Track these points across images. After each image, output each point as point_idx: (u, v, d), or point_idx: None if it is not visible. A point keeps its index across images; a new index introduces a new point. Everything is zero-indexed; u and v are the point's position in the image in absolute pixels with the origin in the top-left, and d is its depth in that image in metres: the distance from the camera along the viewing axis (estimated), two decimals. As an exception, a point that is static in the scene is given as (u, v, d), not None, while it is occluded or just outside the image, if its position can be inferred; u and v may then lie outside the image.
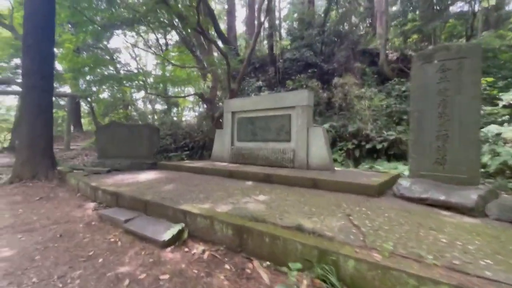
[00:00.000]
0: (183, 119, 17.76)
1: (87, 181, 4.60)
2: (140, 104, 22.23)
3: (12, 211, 3.93)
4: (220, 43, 13.99)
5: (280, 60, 12.91)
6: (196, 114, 17.40)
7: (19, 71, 15.24)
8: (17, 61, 15.57)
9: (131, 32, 19.41)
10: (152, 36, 21.46)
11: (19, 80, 12.28)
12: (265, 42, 18.38)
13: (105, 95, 20.31)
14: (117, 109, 22.82)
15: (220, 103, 11.55)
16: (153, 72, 20.50)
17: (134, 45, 23.89)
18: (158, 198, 3.37)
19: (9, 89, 12.65)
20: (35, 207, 4.14)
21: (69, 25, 13.81)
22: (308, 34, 11.93)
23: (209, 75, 12.90)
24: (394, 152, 8.11)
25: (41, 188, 5.09)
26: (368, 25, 14.99)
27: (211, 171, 5.10)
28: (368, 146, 8.18)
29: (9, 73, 15.80)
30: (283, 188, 3.83)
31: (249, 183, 4.25)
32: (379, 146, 8.07)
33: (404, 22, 12.44)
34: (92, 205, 4.17)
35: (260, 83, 11.60)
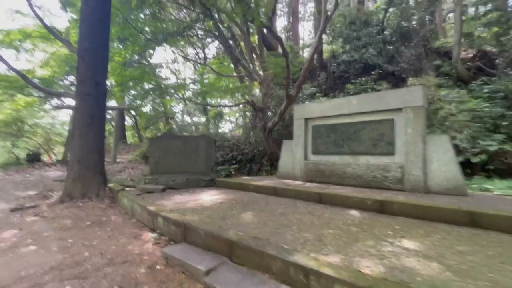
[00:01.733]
0: (225, 130, 17.23)
1: (143, 204, 3.79)
2: (178, 117, 22.39)
3: (60, 241, 3.21)
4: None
5: (333, 64, 11.73)
6: (238, 124, 16.76)
7: (73, 88, 15.97)
8: (70, 78, 16.38)
9: (172, 47, 19.75)
10: (190, 51, 21.63)
11: (73, 92, 12.69)
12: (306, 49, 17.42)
13: (146, 108, 20.74)
14: (158, 122, 23.23)
15: (269, 112, 10.63)
16: (191, 86, 20.55)
17: (174, 61, 24.42)
18: (246, 237, 2.37)
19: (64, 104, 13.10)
20: (87, 236, 3.39)
21: (117, 41, 14.03)
22: (366, 33, 10.67)
23: (256, 83, 12.11)
24: (495, 167, 6.44)
25: (92, 209, 4.42)
26: (428, 21, 13.25)
27: (289, 192, 4.04)
28: (459, 159, 6.58)
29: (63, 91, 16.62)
30: (421, 226, 2.62)
31: (355, 213, 3.09)
32: (475, 160, 6.44)
33: (481, 15, 10.62)
34: (151, 236, 3.31)
35: (313, 89, 10.51)
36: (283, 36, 20.33)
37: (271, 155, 9.24)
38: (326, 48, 13.67)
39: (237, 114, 17.68)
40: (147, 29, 12.50)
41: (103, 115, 5.08)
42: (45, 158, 13.32)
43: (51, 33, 8.35)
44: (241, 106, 12.98)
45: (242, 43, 13.47)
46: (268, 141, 8.98)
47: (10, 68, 7.38)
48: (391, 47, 10.07)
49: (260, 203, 3.77)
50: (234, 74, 15.00)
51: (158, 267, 2.57)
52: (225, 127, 18.92)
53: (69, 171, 4.84)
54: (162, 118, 22.43)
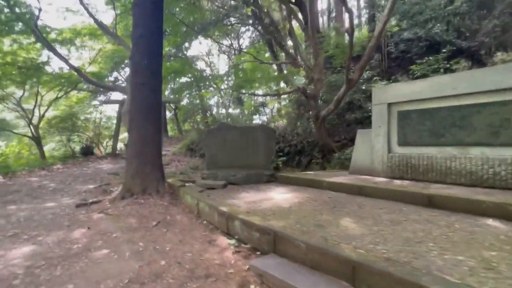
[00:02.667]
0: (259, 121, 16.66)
1: (212, 204, 3.38)
2: (214, 110, 22.31)
3: (131, 244, 2.91)
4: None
5: (390, 44, 10.47)
6: (279, 114, 16.08)
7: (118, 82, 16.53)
8: (115, 74, 16.95)
9: (206, 38, 19.51)
10: (225, 43, 21.20)
11: (120, 85, 13.07)
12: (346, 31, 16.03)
13: (184, 101, 20.94)
14: (195, 115, 23.42)
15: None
16: (228, 77, 20.24)
17: (208, 53, 24.26)
18: (375, 258, 1.77)
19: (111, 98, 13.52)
20: (156, 239, 3.06)
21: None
22: (431, 7, 9.26)
23: (302, 69, 11.31)
24: None
25: (154, 206, 4.15)
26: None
27: (379, 192, 3.36)
28: None
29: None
30: None
31: (496, 224, 2.34)
32: None
33: None
34: (228, 242, 2.88)
35: (369, 72, 9.44)
36: (325, 17, 19.03)
37: (323, 147, 8.49)
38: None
39: (277, 104, 17.01)
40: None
41: (159, 106, 4.78)
42: (96, 151, 13.95)
43: (100, 27, 8.41)
44: (283, 95, 12.27)
45: (286, 26, 12.67)
46: (320, 131, 8.23)
47: (68, 64, 7.53)
48: (465, 20, 8.59)
49: (349, 205, 3.14)
50: (271, 62, 14.32)
51: (252, 287, 2.10)
52: (261, 118, 18.38)
53: (127, 165, 4.63)
54: (199, 111, 22.61)
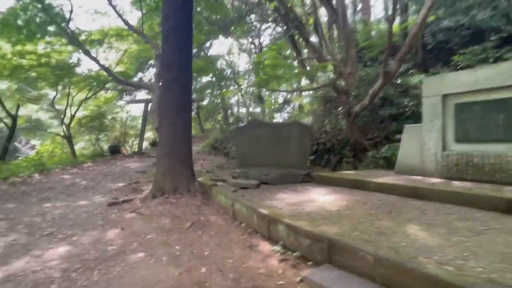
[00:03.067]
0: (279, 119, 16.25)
1: (251, 206, 3.13)
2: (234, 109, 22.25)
3: (167, 247, 2.72)
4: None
5: (425, 35, 9.73)
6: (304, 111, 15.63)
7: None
8: (139, 75, 17.29)
9: (227, 38, 19.44)
10: (245, 42, 20.96)
11: (147, 83, 13.27)
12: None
13: (205, 101, 21.02)
14: (216, 115, 23.51)
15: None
16: (245, 76, 20.06)
17: (229, 52, 24.18)
18: (475, 280, 1.42)
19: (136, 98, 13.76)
20: (193, 242, 2.86)
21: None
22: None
23: (329, 64, 10.82)
24: None
25: (186, 206, 3.98)
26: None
27: (440, 194, 2.94)
28: None
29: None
30: None
31: None
32: None
33: None
34: (269, 247, 2.62)
35: (403, 65, 8.80)
36: (350, 9, 18.29)
37: (354, 145, 8.02)
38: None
39: (300, 101, 16.58)
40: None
41: (190, 103, 4.62)
42: (122, 150, 14.27)
43: (127, 27, 8.49)
44: (310, 90, 11.82)
45: (309, 21, 12.24)
46: (352, 129, 7.76)
47: (98, 64, 7.65)
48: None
49: (406, 209, 2.76)
50: (299, 57, 13.90)
51: (311, 304, 1.81)
52: (282, 116, 18.00)
53: (158, 164, 4.51)
54: (220, 110, 22.66)
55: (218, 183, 4.42)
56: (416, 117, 7.39)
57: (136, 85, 11.50)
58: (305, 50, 16.30)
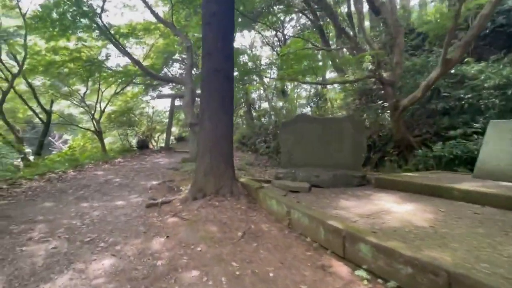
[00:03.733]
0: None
1: (312, 215, 2.66)
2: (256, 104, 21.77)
3: (223, 265, 2.32)
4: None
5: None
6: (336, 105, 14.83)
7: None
8: (164, 70, 17.23)
9: (250, 31, 18.90)
10: (268, 34, 20.27)
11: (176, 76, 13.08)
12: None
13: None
14: (238, 109, 23.14)
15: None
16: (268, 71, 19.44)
17: (251, 46, 23.55)
18: None
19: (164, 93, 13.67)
20: (251, 257, 2.45)
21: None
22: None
23: (367, 54, 10.00)
24: None
25: (232, 210, 3.59)
26: None
27: None
28: None
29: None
30: None
31: None
32: None
33: None
34: (347, 270, 2.14)
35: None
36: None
37: (399, 142, 7.30)
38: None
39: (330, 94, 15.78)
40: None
41: (233, 95, 4.20)
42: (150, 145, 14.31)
43: (157, 18, 8.26)
44: (347, 83, 11.04)
45: (339, 12, 11.41)
46: (398, 124, 7.04)
47: (129, 57, 7.46)
48: None
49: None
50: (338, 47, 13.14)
51: None
52: (306, 110, 17.28)
53: (199, 161, 4.14)
54: (242, 104, 22.30)
55: (264, 185, 3.98)
56: (474, 112, 6.53)
57: (167, 79, 11.37)
58: (333, 41, 15.46)
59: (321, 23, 15.03)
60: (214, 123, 3.97)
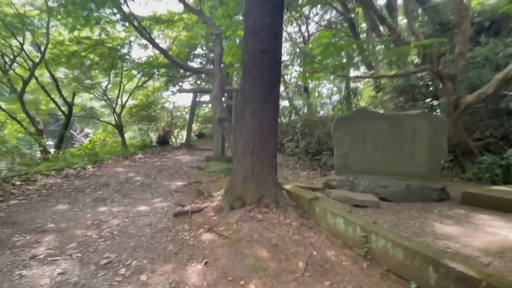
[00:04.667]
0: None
1: (411, 246, 1.86)
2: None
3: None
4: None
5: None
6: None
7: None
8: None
9: None
10: (290, 30, 19.32)
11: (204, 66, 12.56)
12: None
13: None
14: None
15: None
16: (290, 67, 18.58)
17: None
18: None
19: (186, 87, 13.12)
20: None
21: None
22: None
23: (414, 49, 8.95)
24: None
25: (280, 226, 2.84)
26: None
27: None
28: None
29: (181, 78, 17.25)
30: None
31: None
32: None
33: None
34: None
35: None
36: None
37: (455, 147, 6.29)
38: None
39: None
40: None
41: (279, 84, 3.43)
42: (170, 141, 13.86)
43: (185, 5, 7.64)
44: (395, 77, 10.00)
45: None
46: (457, 125, 6.05)
47: (154, 45, 6.92)
48: None
49: None
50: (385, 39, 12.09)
51: None
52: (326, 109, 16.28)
53: (237, 163, 3.43)
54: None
55: (318, 196, 3.20)
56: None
57: (193, 69, 10.80)
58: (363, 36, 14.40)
59: (352, 15, 14.04)
60: (258, 118, 3.24)
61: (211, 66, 11.54)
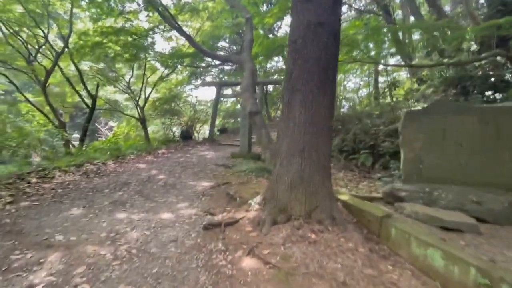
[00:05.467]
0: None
1: None
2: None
3: None
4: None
5: None
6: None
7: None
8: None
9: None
10: None
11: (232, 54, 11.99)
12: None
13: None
14: (279, 103, 21.53)
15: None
16: None
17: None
18: None
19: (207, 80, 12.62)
20: None
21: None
22: None
23: (470, 34, 7.76)
24: None
25: (344, 254, 2.15)
26: None
27: None
28: None
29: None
30: None
31: None
32: None
33: None
34: None
35: None
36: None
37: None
38: None
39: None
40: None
41: (337, 67, 2.70)
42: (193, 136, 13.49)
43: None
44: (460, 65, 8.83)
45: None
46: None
47: (181, 33, 6.40)
48: None
49: None
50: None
51: None
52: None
53: (281, 167, 2.76)
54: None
55: (394, 214, 2.46)
56: None
57: (221, 57, 10.26)
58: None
59: (386, 2, 12.88)
60: (311, 110, 2.54)
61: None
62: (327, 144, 2.67)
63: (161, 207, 3.38)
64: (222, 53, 17.39)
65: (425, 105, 3.38)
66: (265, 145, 5.14)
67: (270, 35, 15.42)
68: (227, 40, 17.66)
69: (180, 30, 6.63)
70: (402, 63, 11.78)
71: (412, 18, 12.83)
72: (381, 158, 7.47)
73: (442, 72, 8.89)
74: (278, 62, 19.15)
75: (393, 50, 11.29)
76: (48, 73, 8.36)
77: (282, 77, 14.65)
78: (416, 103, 9.85)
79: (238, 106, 20.03)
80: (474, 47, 7.82)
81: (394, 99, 9.71)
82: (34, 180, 3.98)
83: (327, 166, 2.68)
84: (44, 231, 2.51)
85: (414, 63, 10.25)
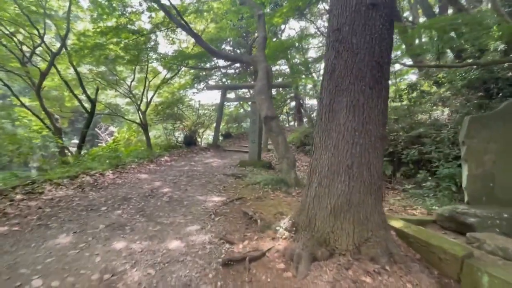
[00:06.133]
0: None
1: None
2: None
3: None
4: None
5: None
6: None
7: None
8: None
9: (300, 21, 16.94)
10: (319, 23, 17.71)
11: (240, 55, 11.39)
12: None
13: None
14: (283, 106, 21.10)
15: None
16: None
17: (301, 38, 21.21)
18: None
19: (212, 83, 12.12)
20: None
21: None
22: None
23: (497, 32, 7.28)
24: None
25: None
26: None
27: None
28: None
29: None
30: None
31: None
32: None
33: None
34: None
35: None
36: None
37: None
38: None
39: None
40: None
41: (390, 61, 2.16)
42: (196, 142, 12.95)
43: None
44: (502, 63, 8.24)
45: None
46: None
47: (187, 30, 5.88)
48: None
49: None
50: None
51: None
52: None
53: (319, 187, 2.20)
54: (287, 101, 20.22)
55: (475, 253, 1.89)
56: None
57: (231, 56, 9.77)
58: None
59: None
60: (360, 116, 2.00)
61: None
62: (379, 159, 2.11)
63: (168, 232, 2.81)
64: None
65: (496, 109, 2.68)
66: (282, 154, 4.58)
67: (274, 39, 14.95)
68: (231, 43, 17.20)
69: (188, 29, 6.12)
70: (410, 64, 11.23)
71: (421, 20, 12.35)
72: (403, 167, 6.87)
73: (463, 74, 8.33)
74: (281, 66, 18.71)
75: (398, 52, 10.75)
76: (43, 74, 7.84)
77: (285, 80, 14.15)
78: (434, 107, 9.26)
79: (242, 110, 19.51)
80: (501, 46, 7.29)
81: (412, 103, 9.11)
82: (18, 196, 3.42)
83: (380, 186, 2.12)
84: (18, 272, 1.95)
85: (433, 63, 9.69)
